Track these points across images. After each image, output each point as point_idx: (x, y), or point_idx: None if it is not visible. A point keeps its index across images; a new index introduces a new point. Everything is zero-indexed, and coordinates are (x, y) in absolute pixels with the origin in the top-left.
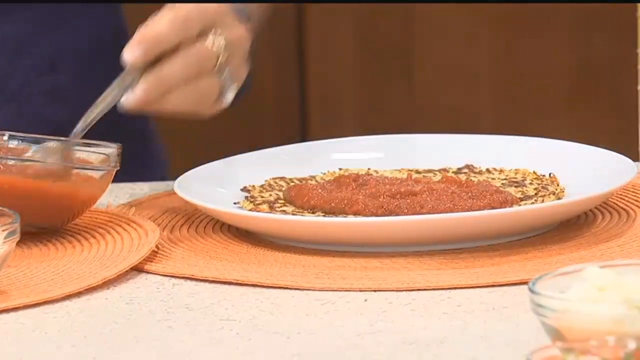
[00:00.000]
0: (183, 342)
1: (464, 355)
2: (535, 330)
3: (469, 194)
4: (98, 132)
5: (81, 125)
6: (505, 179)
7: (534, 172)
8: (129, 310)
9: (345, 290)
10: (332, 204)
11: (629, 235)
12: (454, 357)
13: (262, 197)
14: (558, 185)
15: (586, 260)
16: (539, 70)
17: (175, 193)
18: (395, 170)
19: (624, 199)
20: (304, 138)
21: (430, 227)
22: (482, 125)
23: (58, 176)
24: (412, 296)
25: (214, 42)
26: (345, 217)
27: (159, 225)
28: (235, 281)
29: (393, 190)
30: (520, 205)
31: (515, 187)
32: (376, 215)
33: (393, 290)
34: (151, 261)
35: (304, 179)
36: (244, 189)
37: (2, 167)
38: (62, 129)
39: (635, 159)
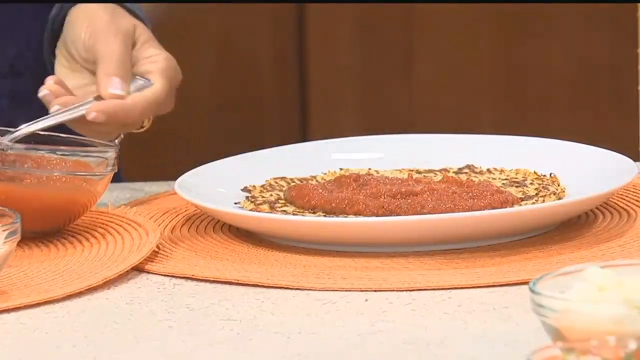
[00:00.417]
0: (184, 342)
1: (465, 355)
2: (535, 330)
3: (470, 194)
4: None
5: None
6: (506, 179)
7: (534, 172)
8: (130, 310)
9: (346, 290)
10: (333, 204)
11: (629, 236)
12: (454, 357)
13: (263, 197)
14: (559, 185)
15: (587, 260)
16: (540, 70)
17: (176, 193)
18: (396, 170)
19: (624, 199)
20: (304, 138)
21: (430, 227)
22: (482, 126)
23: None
24: (412, 296)
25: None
26: (346, 217)
27: (159, 225)
28: (236, 281)
29: (394, 190)
30: (521, 205)
31: (516, 187)
32: (377, 216)
33: (394, 290)
34: (152, 261)
35: (304, 179)
36: (245, 189)
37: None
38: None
39: (635, 159)
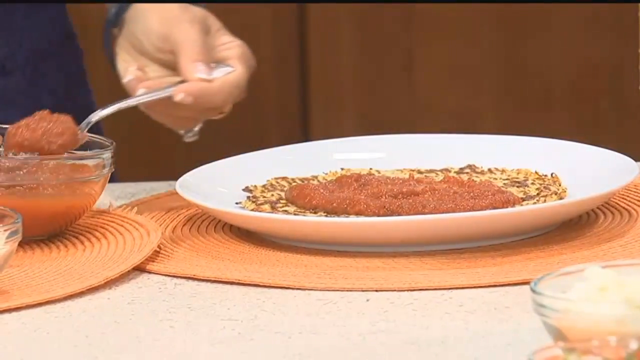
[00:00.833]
0: (185, 342)
1: (466, 355)
2: (537, 330)
3: (471, 194)
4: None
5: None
6: (507, 179)
7: (535, 172)
8: (131, 310)
9: (347, 290)
10: (334, 204)
11: (630, 235)
12: (455, 356)
13: (264, 197)
14: (560, 185)
15: (588, 260)
16: (540, 70)
17: (177, 193)
18: (397, 170)
19: (625, 199)
20: (306, 138)
21: (432, 227)
22: (483, 126)
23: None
24: (413, 296)
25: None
26: (347, 217)
27: (160, 225)
28: (237, 281)
29: (395, 190)
30: (522, 205)
31: (517, 187)
32: (378, 216)
33: (395, 290)
34: (153, 261)
35: (306, 179)
36: (246, 189)
37: None
38: None
39: (637, 159)
